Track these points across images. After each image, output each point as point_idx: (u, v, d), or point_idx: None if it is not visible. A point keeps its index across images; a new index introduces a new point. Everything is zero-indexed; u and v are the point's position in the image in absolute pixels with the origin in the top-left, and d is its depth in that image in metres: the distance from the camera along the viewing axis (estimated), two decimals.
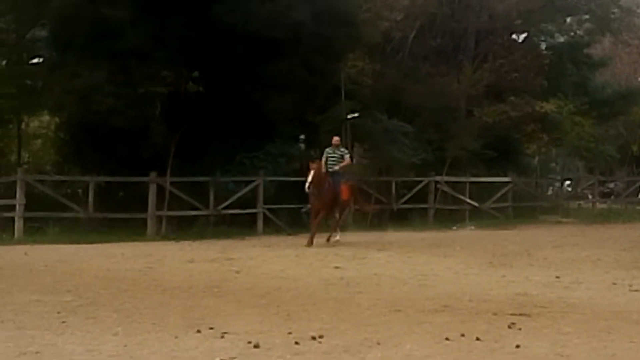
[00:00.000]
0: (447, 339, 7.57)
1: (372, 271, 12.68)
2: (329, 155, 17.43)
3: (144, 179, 18.85)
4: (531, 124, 26.01)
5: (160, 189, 19.03)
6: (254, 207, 20.14)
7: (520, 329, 8.14)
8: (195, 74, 18.69)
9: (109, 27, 18.35)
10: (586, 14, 30.10)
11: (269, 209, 20.21)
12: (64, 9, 18.68)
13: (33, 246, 15.89)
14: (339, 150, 17.59)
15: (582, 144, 28.66)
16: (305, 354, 7.03)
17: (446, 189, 24.11)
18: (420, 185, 23.77)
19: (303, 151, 21.98)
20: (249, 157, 20.50)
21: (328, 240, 17.11)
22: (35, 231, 17.87)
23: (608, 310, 9.31)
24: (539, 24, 29.04)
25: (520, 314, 8.88)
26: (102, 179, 19.26)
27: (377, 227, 21.12)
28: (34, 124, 23.56)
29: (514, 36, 28.05)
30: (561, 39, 30.82)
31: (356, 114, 22.30)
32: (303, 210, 18.21)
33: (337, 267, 13.12)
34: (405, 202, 23.36)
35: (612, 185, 34.57)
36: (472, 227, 22.50)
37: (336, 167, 17.33)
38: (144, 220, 18.86)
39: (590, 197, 30.83)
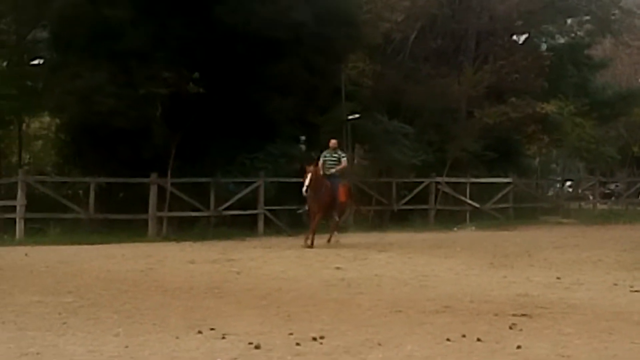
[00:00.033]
0: (448, 339, 7.58)
1: (373, 272, 12.68)
2: (327, 158, 17.47)
3: (145, 179, 18.84)
4: (532, 125, 26.03)
5: (161, 190, 19.01)
6: (255, 208, 20.14)
7: (521, 329, 8.15)
8: (196, 74, 18.65)
9: (109, 27, 18.35)
10: (587, 15, 30.12)
11: (269, 210, 20.21)
12: (65, 10, 18.66)
13: (34, 247, 15.89)
14: (336, 153, 17.62)
15: (583, 145, 28.64)
16: (306, 355, 7.04)
17: (447, 190, 24.09)
18: (421, 187, 23.73)
19: (304, 152, 21.94)
20: (250, 158, 20.50)
21: (329, 241, 17.17)
22: (36, 232, 17.87)
23: (609, 311, 9.32)
24: (539, 25, 29.04)
25: (521, 315, 8.89)
26: (103, 180, 19.24)
27: (378, 228, 21.13)
28: (35, 125, 23.54)
29: (514, 37, 28.00)
30: (562, 40, 30.84)
31: (357, 115, 22.32)
32: (299, 211, 18.21)
33: (338, 268, 13.14)
34: (406, 203, 23.35)
35: (612, 186, 34.56)
36: (473, 228, 22.50)
37: (333, 170, 17.37)
38: (145, 221, 18.86)
39: (591, 198, 30.85)
